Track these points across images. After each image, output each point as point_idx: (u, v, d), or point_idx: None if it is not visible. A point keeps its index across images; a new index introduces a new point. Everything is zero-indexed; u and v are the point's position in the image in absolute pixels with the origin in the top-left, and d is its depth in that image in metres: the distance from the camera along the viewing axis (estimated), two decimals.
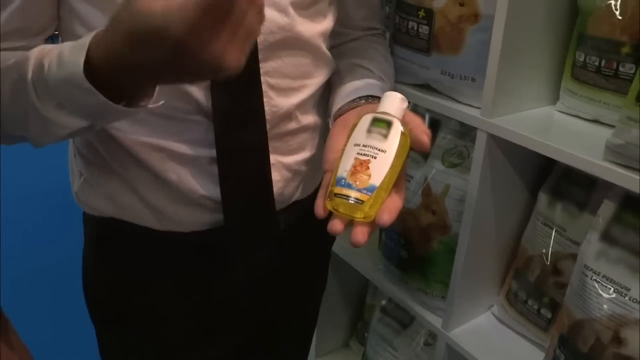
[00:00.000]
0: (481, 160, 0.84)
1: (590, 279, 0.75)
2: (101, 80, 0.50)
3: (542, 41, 0.83)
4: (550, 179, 0.94)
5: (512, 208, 0.96)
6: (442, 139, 0.96)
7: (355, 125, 0.63)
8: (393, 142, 0.59)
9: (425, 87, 0.91)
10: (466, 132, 0.94)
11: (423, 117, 1.00)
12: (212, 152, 0.69)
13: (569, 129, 0.82)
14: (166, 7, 0.41)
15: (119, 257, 0.79)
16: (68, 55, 0.52)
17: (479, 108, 0.83)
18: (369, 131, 0.60)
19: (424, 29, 0.84)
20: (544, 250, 0.92)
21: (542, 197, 0.93)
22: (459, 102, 0.87)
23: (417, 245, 1.01)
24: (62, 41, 0.68)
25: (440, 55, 0.84)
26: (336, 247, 1.13)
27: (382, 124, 0.61)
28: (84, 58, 0.50)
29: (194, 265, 0.78)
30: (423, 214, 0.98)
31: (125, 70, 0.48)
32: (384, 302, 1.27)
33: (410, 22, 0.86)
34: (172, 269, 0.78)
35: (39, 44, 0.64)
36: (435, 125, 0.98)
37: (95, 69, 0.50)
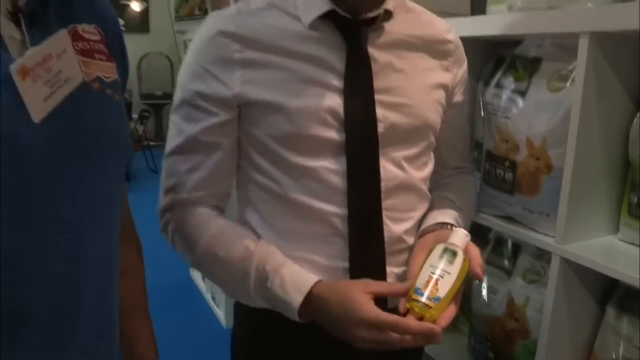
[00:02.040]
0: (555, 278, 1.05)
1: None
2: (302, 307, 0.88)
3: (603, 185, 1.07)
4: (615, 295, 1.13)
5: (584, 319, 1.15)
6: (522, 260, 1.19)
7: (431, 250, 0.89)
8: (456, 267, 0.86)
9: (509, 218, 1.16)
10: (543, 254, 1.16)
11: (505, 241, 1.24)
12: (346, 264, 0.95)
13: (629, 254, 1.03)
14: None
15: (266, 338, 1.03)
16: (290, 286, 0.88)
17: (553, 237, 1.06)
18: (440, 257, 0.87)
19: (509, 176, 1.10)
20: (614, 356, 1.10)
21: (610, 311, 1.12)
22: (537, 231, 1.11)
23: (502, 348, 1.21)
24: (238, 182, 0.99)
25: (522, 196, 1.10)
26: (428, 349, 1.33)
27: (450, 253, 0.87)
28: (301, 300, 0.87)
29: (322, 347, 0.98)
30: (507, 321, 1.19)
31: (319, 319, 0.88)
32: None
33: (497, 170, 1.13)
34: (308, 350, 1.00)
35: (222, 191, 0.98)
36: (517, 248, 1.21)
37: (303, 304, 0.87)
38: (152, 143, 7.22)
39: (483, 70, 1.25)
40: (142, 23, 8.36)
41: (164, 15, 7.71)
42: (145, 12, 8.32)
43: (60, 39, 0.64)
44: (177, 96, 0.95)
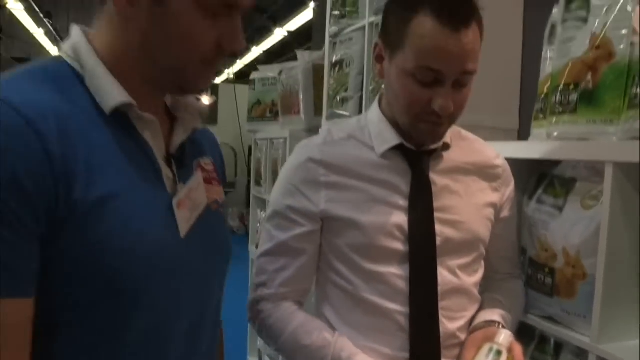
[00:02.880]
0: None
1: None
2: None
3: (634, 292, 1.21)
4: None
5: None
6: (564, 357, 1.32)
7: (480, 348, 1.07)
8: None
9: (550, 318, 1.30)
10: (582, 353, 1.29)
11: (548, 340, 1.38)
12: (407, 355, 1.12)
13: None
14: None
15: None
16: None
17: (589, 337, 1.20)
18: (487, 355, 1.05)
19: (549, 281, 1.27)
20: None
21: None
22: (575, 331, 1.25)
23: None
24: (318, 281, 1.19)
25: (560, 299, 1.25)
26: None
27: (496, 352, 1.05)
28: None
29: None
30: None
31: None
32: None
33: (539, 275, 1.29)
34: None
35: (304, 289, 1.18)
36: (559, 346, 1.35)
37: None
38: None
39: (527, 185, 1.44)
40: (210, 115, 8.93)
41: (231, 109, 8.27)
42: (214, 105, 8.95)
43: (198, 177, 0.89)
44: (270, 208, 1.18)
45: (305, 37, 7.70)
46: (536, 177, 1.43)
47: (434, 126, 1.08)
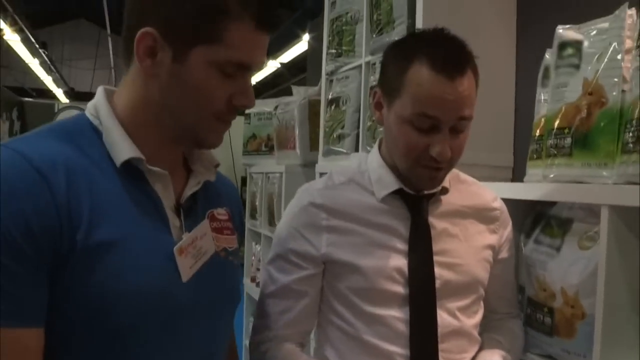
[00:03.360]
0: None
1: None
2: None
3: (633, 330, 1.23)
4: None
5: None
6: None
7: None
8: None
9: (550, 357, 1.32)
10: None
11: None
12: None
13: None
14: None
15: None
16: None
17: None
18: None
19: (548, 320, 1.28)
20: None
21: None
22: None
23: None
24: (319, 323, 1.21)
25: (560, 338, 1.27)
26: None
27: None
28: None
29: None
30: None
31: None
32: None
33: (538, 314, 1.31)
34: None
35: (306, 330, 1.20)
36: None
37: None
38: None
39: (523, 225, 1.46)
40: None
41: (224, 141, 8.32)
42: None
43: (204, 226, 0.93)
44: (272, 251, 1.20)
45: (298, 68, 7.79)
46: (532, 216, 1.45)
47: (432, 171, 1.10)
